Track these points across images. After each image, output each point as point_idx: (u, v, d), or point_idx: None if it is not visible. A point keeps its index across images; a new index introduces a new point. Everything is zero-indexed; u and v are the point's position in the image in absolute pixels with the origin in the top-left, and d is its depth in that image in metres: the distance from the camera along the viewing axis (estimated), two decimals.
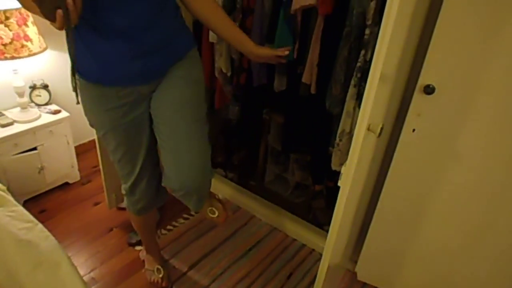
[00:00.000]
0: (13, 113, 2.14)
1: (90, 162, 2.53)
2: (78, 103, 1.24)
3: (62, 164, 2.29)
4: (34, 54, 1.89)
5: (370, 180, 1.51)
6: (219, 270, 1.89)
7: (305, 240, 2.07)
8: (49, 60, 2.29)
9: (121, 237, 2.04)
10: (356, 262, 1.76)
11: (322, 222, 2.08)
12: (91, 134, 2.13)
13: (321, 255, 1.41)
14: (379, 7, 1.39)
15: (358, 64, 1.48)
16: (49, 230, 1.38)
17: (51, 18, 0.95)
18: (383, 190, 1.51)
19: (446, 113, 1.26)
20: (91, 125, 1.38)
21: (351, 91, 1.54)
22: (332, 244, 1.27)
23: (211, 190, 1.55)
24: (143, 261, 1.88)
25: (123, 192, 1.51)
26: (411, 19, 1.12)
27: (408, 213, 1.53)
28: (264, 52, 1.43)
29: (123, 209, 2.11)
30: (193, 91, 1.35)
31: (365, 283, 1.83)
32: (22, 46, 1.83)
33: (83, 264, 1.87)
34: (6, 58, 1.80)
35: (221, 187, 2.37)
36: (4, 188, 1.59)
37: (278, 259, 1.98)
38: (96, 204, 2.26)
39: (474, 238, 1.44)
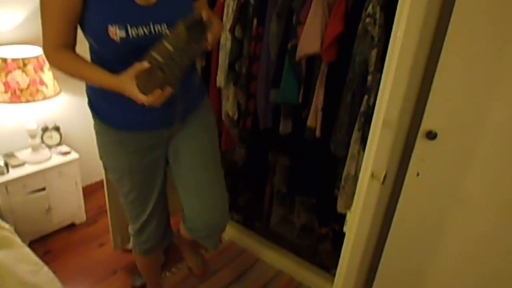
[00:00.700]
0: (24, 154, 2.18)
1: (97, 202, 2.55)
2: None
3: (69, 205, 2.31)
4: (48, 98, 1.96)
5: (376, 224, 1.51)
6: None
7: (311, 283, 2.03)
8: (62, 103, 2.37)
9: (125, 280, 2.01)
10: None
11: (328, 265, 2.05)
12: (99, 175, 2.16)
13: None
14: (380, 55, 1.44)
15: (362, 109, 1.52)
16: (54, 272, 1.38)
17: (146, 93, 1.06)
18: (390, 234, 1.50)
19: (449, 158, 1.28)
20: (105, 168, 1.41)
21: (355, 135, 1.57)
22: None
23: None
24: None
25: (131, 232, 1.51)
26: (412, 66, 1.16)
27: (415, 257, 1.51)
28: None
29: (128, 251, 2.10)
30: (210, 137, 1.44)
31: None
32: (37, 90, 1.90)
33: None
34: (21, 102, 1.87)
35: (227, 229, 2.35)
36: (11, 228, 1.60)
37: None
38: (101, 245, 2.25)
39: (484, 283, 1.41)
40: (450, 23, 1.15)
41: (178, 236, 1.65)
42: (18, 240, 1.52)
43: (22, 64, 1.85)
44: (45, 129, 2.28)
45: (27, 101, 1.88)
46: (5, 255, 1.39)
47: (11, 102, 1.85)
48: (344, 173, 1.66)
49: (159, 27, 1.13)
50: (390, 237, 1.50)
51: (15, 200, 2.05)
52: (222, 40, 1.85)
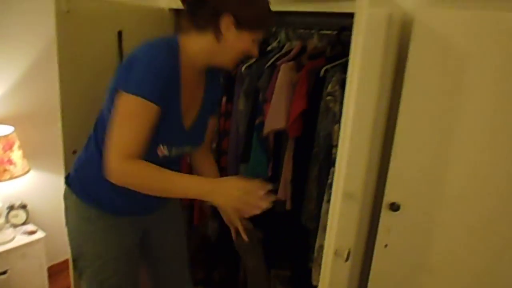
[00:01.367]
0: None
1: (62, 284, 2.41)
2: None
3: None
4: (16, 177, 1.93)
5: None
6: None
7: None
8: (30, 180, 2.32)
9: None
10: None
11: None
12: (66, 254, 2.07)
13: None
14: None
15: (329, 181, 1.56)
16: None
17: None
18: None
19: (414, 228, 1.31)
20: (82, 256, 1.32)
21: (325, 206, 1.59)
22: None
23: None
24: None
25: None
26: (370, 140, 1.23)
27: None
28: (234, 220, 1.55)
29: None
30: (181, 222, 1.57)
31: None
32: (5, 170, 1.88)
33: None
34: None
35: None
36: None
37: None
38: None
39: None
40: (401, 104, 1.25)
41: None
42: None
43: None
44: (11, 208, 2.21)
45: None
46: None
47: None
48: (316, 245, 1.66)
49: (187, 147, 1.29)
50: None
51: None
52: None
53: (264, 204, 1.04)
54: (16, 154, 1.95)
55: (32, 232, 2.19)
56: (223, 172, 1.88)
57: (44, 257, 2.20)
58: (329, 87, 1.52)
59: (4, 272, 2.04)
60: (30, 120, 2.23)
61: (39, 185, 2.37)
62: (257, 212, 1.05)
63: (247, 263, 1.19)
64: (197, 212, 2.08)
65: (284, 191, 1.71)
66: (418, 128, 1.24)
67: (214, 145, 1.87)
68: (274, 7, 1.53)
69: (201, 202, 2.04)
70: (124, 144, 1.06)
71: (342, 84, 1.51)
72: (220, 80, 1.40)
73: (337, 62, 1.60)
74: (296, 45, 1.78)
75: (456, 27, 1.15)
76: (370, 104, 1.13)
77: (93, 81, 1.67)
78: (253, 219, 1.98)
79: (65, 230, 1.73)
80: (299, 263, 1.84)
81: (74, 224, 1.32)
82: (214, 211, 2.06)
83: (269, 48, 1.86)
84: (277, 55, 1.75)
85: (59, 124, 1.62)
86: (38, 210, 2.36)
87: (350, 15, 1.27)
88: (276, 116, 1.62)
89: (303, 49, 1.77)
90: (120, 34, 1.70)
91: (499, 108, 1.13)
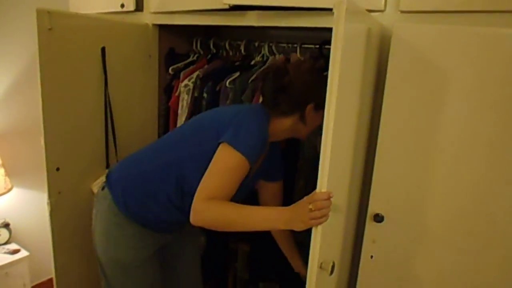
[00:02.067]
0: None
1: None
2: None
3: None
4: None
5: None
6: None
7: None
8: (12, 198, 2.29)
9: None
10: None
11: None
12: (49, 273, 2.03)
13: None
14: None
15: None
16: None
17: None
18: None
19: (399, 239, 1.32)
20: (109, 262, 1.40)
21: None
22: None
23: None
24: None
25: None
26: (353, 153, 1.25)
27: None
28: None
29: None
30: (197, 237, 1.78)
31: None
32: None
33: None
34: None
35: None
36: None
37: None
38: None
39: None
40: (382, 116, 1.27)
41: None
42: None
43: None
44: None
45: None
46: None
47: None
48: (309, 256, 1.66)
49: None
50: None
51: None
52: None
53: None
54: None
55: (15, 251, 2.15)
56: None
57: (28, 276, 2.16)
58: None
59: None
60: (13, 137, 2.21)
61: (22, 203, 2.34)
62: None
63: None
64: None
65: None
66: (400, 140, 1.27)
67: None
68: (258, 22, 1.57)
69: None
70: (214, 191, 1.16)
71: None
72: (280, 147, 1.54)
73: None
74: (279, 59, 1.80)
75: (434, 42, 1.18)
76: (351, 116, 1.15)
77: (76, 98, 1.66)
78: (242, 233, 1.98)
79: (48, 248, 1.72)
80: (288, 275, 1.84)
81: (103, 228, 1.38)
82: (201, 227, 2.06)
83: (252, 62, 1.88)
84: (261, 69, 1.77)
85: (41, 141, 1.61)
86: (20, 229, 2.32)
87: (331, 30, 1.30)
88: None
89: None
90: (103, 50, 1.70)
91: (477, 120, 1.15)
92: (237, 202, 1.19)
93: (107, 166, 1.80)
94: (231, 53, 2.00)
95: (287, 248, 1.68)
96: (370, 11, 1.29)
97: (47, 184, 1.62)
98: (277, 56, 1.84)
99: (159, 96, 2.07)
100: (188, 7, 1.73)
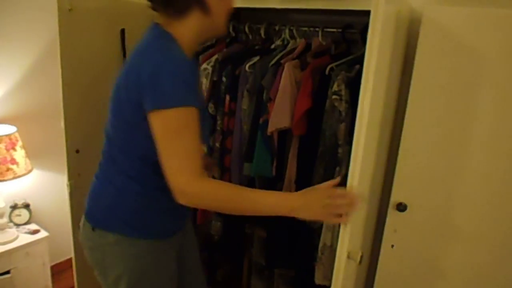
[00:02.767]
0: None
1: (66, 283, 2.41)
2: None
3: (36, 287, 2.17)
4: (19, 176, 1.92)
5: None
6: None
7: None
8: (32, 179, 2.32)
9: None
10: None
11: None
12: (68, 253, 2.07)
13: None
14: (348, 128, 1.51)
15: None
16: None
17: None
18: None
19: (421, 228, 1.30)
20: None
21: None
22: None
23: None
24: None
25: None
26: (378, 140, 1.22)
27: None
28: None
29: None
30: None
31: None
32: (8, 169, 1.87)
33: None
34: None
35: None
36: None
37: None
38: None
39: None
40: (408, 102, 1.23)
41: None
42: None
43: None
44: (14, 207, 2.21)
45: None
46: None
47: None
48: (320, 244, 1.65)
49: None
50: None
51: None
52: None
53: (350, 208, 0.96)
54: (19, 154, 1.94)
55: (35, 231, 2.18)
56: (227, 172, 1.87)
57: (47, 256, 2.20)
58: (335, 86, 1.50)
59: (8, 272, 2.03)
60: (33, 120, 2.22)
61: (42, 184, 2.37)
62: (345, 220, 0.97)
63: None
64: (200, 211, 2.07)
65: (289, 190, 1.69)
66: (426, 127, 1.23)
67: (217, 144, 1.85)
68: (281, 4, 1.52)
69: None
70: (188, 162, 1.00)
71: (348, 83, 1.50)
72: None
73: (342, 61, 1.59)
74: (300, 43, 1.76)
75: (465, 24, 1.13)
76: (378, 103, 1.11)
77: (96, 80, 1.66)
78: (258, 218, 1.98)
79: (68, 229, 1.74)
80: (303, 262, 1.83)
81: (118, 265, 1.18)
82: (217, 211, 2.06)
83: (272, 46, 1.84)
84: (281, 53, 1.73)
85: (61, 123, 1.61)
86: (40, 210, 2.36)
87: (355, 13, 1.26)
88: (281, 114, 1.60)
89: (307, 47, 1.75)
90: (123, 32, 1.69)
91: (510, 106, 1.11)
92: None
93: None
94: (250, 37, 1.97)
95: None
96: None
97: (67, 166, 1.63)
98: (297, 40, 1.81)
99: None
100: None
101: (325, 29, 1.70)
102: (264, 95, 1.69)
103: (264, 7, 1.57)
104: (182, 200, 1.01)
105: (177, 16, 1.08)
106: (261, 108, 1.70)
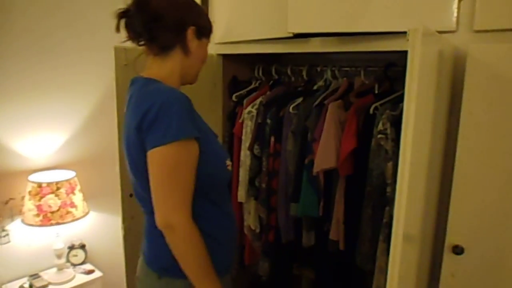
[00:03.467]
0: (49, 275, 2.19)
1: None
2: None
3: None
4: (77, 219, 2.03)
5: None
6: None
7: None
8: (88, 221, 2.44)
9: None
10: None
11: None
12: None
13: None
14: (396, 167, 1.48)
15: (385, 220, 1.51)
16: None
17: None
18: None
19: (481, 272, 1.22)
20: None
21: (381, 246, 1.53)
22: None
23: None
24: None
25: None
26: (426, 178, 1.18)
27: None
28: None
29: None
30: None
31: None
32: (67, 212, 1.98)
33: None
34: (51, 224, 1.94)
35: None
36: None
37: None
38: None
39: None
40: (459, 141, 1.20)
41: None
42: None
43: (56, 188, 1.96)
44: (71, 248, 2.32)
45: (57, 223, 1.96)
46: None
47: (41, 225, 1.93)
48: (374, 286, 1.59)
49: None
50: None
51: None
52: (242, 157, 1.94)
53: None
54: (77, 197, 2.06)
55: (90, 272, 2.27)
56: (273, 212, 1.88)
57: None
58: (380, 125, 1.50)
59: None
60: (90, 165, 2.37)
61: (97, 226, 2.48)
62: None
63: None
64: (248, 252, 2.07)
65: (337, 231, 1.67)
66: (480, 165, 1.19)
67: (263, 185, 1.88)
68: (322, 48, 1.57)
69: (252, 242, 2.03)
70: (183, 200, 1.05)
71: (393, 122, 1.49)
72: None
73: (386, 99, 1.59)
74: (342, 83, 1.78)
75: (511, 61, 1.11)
76: (425, 142, 1.10)
77: None
78: (306, 259, 1.95)
79: (121, 269, 1.80)
80: None
81: None
82: (265, 251, 2.05)
83: (315, 87, 1.88)
84: (324, 94, 1.76)
85: (116, 168, 1.71)
86: (95, 250, 2.46)
87: (397, 50, 1.27)
88: (326, 155, 1.61)
89: (350, 87, 1.77)
90: None
91: None
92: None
93: None
94: (293, 79, 2.02)
95: None
96: (440, 32, 1.24)
97: (122, 209, 1.71)
98: (339, 80, 1.83)
99: (223, 123, 2.13)
100: (252, 37, 1.78)
101: (367, 68, 1.72)
102: (309, 135, 1.71)
103: (306, 51, 1.62)
104: (167, 235, 1.06)
105: (161, 53, 1.17)
106: (306, 148, 1.72)
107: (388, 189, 1.50)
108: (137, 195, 1.23)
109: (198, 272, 1.09)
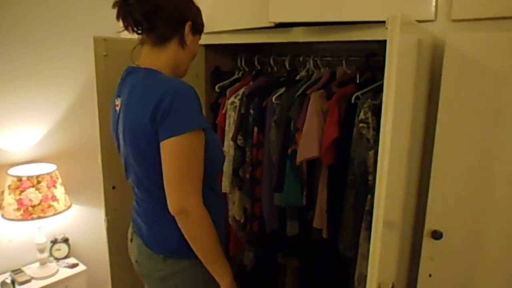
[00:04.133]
0: (31, 269, 2.17)
1: None
2: None
3: None
4: (59, 212, 2.01)
5: None
6: None
7: None
8: (71, 214, 2.41)
9: None
10: None
11: None
12: (106, 285, 2.11)
13: None
14: (377, 155, 1.50)
15: (367, 208, 1.53)
16: None
17: None
18: None
19: (459, 256, 1.26)
20: None
21: (363, 234, 1.56)
22: None
23: None
24: None
25: None
26: (406, 165, 1.21)
27: None
28: None
29: None
30: None
31: None
32: (49, 206, 1.96)
33: None
34: (33, 219, 1.92)
35: None
36: None
37: None
38: None
39: None
40: (437, 129, 1.22)
41: None
42: None
43: (36, 181, 1.93)
44: (54, 242, 2.30)
45: (39, 217, 1.93)
46: None
47: (23, 219, 1.90)
48: (356, 273, 1.62)
49: None
50: None
51: None
52: (225, 148, 1.94)
53: None
54: (59, 191, 2.03)
55: (74, 265, 2.25)
56: (257, 202, 1.89)
57: None
58: (361, 114, 1.51)
59: None
60: (72, 158, 2.33)
61: (80, 219, 2.45)
62: None
63: None
64: (233, 242, 2.09)
65: (320, 220, 1.69)
66: (457, 152, 1.21)
67: (247, 175, 1.88)
68: (304, 38, 1.57)
69: (237, 232, 2.04)
70: (196, 186, 1.11)
71: (374, 111, 1.51)
72: None
73: (367, 89, 1.60)
74: (325, 72, 1.79)
75: (491, 50, 1.13)
76: (405, 130, 1.12)
77: None
78: (291, 248, 1.97)
79: (105, 263, 1.79)
80: None
81: (199, 286, 1.27)
82: (250, 241, 2.07)
83: (298, 77, 1.88)
84: (307, 84, 1.77)
85: (98, 161, 1.69)
86: (79, 244, 2.43)
87: (378, 40, 1.28)
88: (309, 144, 1.62)
89: (332, 77, 1.78)
90: None
91: None
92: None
93: None
94: (275, 69, 2.02)
95: None
96: (419, 21, 1.26)
97: (104, 202, 1.69)
98: (322, 70, 1.84)
99: (206, 113, 2.12)
100: (234, 27, 1.77)
101: (349, 58, 1.73)
102: (292, 125, 1.72)
103: (288, 41, 1.62)
104: (181, 220, 1.12)
105: (159, 43, 1.19)
106: (289, 138, 1.73)
107: (370, 178, 1.53)
108: (139, 185, 1.26)
109: (211, 254, 1.18)
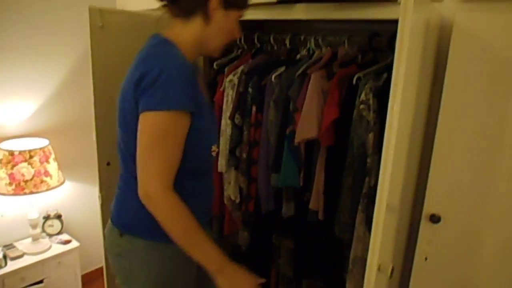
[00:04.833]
0: (24, 245, 2.15)
1: None
2: None
3: None
4: (52, 188, 1.98)
5: None
6: None
7: None
8: (64, 191, 2.38)
9: None
10: None
11: None
12: (99, 262, 2.11)
13: None
14: (377, 137, 1.48)
15: (364, 190, 1.52)
16: None
17: None
18: None
19: (456, 240, 1.26)
20: None
21: (359, 216, 1.55)
22: None
23: None
24: None
25: None
26: (408, 150, 1.19)
27: None
28: None
29: None
30: None
31: None
32: (42, 181, 1.93)
33: None
34: (25, 194, 1.89)
35: None
36: None
37: None
38: None
39: None
40: (441, 111, 1.20)
41: None
42: None
43: (29, 156, 1.89)
44: (46, 218, 2.28)
45: (31, 192, 1.90)
46: None
47: (14, 194, 1.87)
48: (351, 255, 1.62)
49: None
50: None
51: None
52: (223, 127, 1.91)
53: None
54: (52, 166, 2.00)
55: (67, 242, 2.24)
56: (254, 182, 1.87)
57: (79, 265, 2.25)
58: (362, 95, 1.48)
59: (41, 281, 2.09)
60: (65, 133, 2.29)
61: (73, 196, 2.43)
62: None
63: None
64: (227, 222, 2.08)
65: (317, 201, 1.68)
66: (460, 135, 1.20)
67: (244, 155, 1.86)
68: (306, 15, 1.53)
69: (231, 212, 2.03)
70: (165, 170, 1.03)
71: (375, 92, 1.48)
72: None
73: (369, 70, 1.57)
74: (326, 52, 1.75)
75: (499, 31, 1.10)
76: (409, 111, 1.09)
77: None
78: (286, 229, 1.96)
79: (98, 239, 1.77)
80: (333, 274, 1.80)
81: (144, 270, 1.18)
82: (245, 221, 2.06)
83: (298, 56, 1.84)
84: (307, 63, 1.73)
85: (93, 136, 1.66)
86: (72, 220, 2.42)
87: (381, 21, 1.25)
88: (308, 125, 1.60)
89: (333, 57, 1.75)
90: None
91: None
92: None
93: None
94: (276, 47, 1.97)
95: None
96: None
97: (98, 178, 1.67)
98: (323, 49, 1.80)
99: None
100: None
101: (351, 38, 1.69)
102: (291, 105, 1.69)
103: (291, 18, 1.58)
104: (146, 205, 1.05)
105: (181, 17, 1.13)
106: (287, 118, 1.70)
107: (369, 160, 1.51)
108: (120, 153, 1.21)
109: (185, 241, 1.08)
